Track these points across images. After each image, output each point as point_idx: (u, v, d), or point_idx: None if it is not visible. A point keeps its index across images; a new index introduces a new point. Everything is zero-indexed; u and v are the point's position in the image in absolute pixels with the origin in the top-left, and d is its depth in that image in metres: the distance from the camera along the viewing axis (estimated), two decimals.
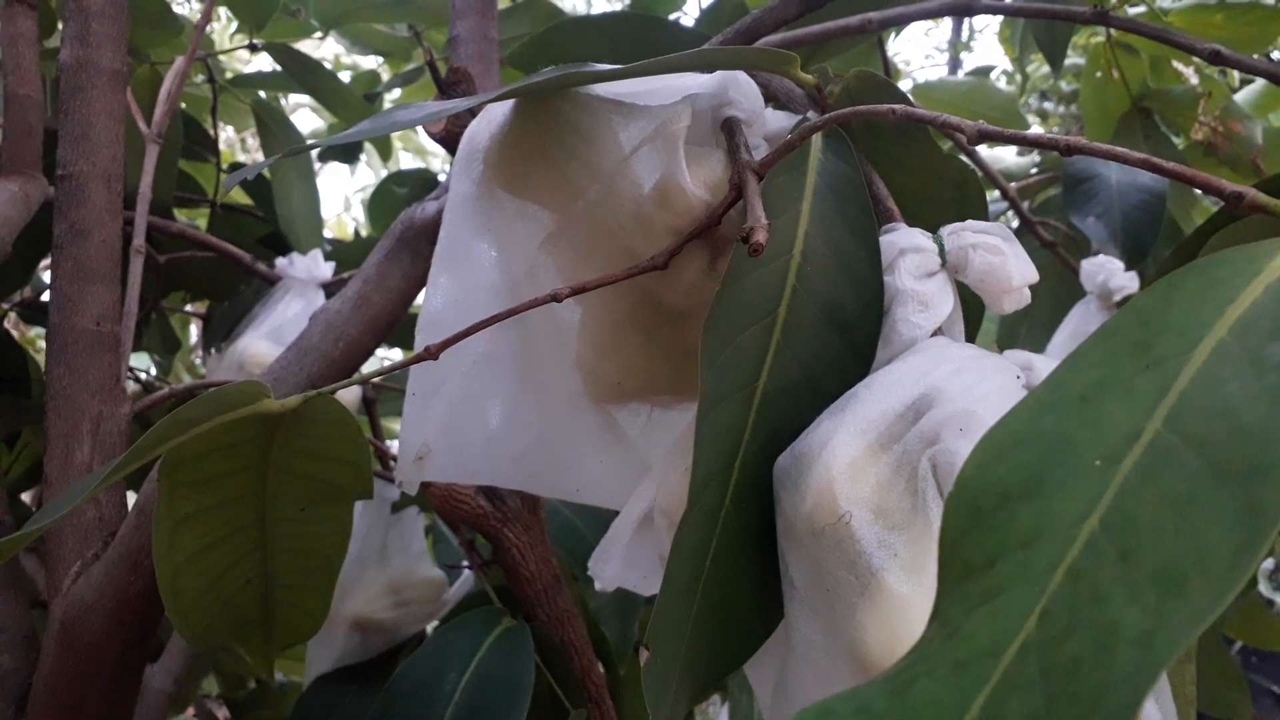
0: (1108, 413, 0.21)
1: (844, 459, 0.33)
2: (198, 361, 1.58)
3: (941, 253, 0.38)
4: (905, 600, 0.31)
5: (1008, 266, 0.38)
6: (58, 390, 0.64)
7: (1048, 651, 0.18)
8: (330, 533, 0.44)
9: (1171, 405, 0.21)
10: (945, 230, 0.39)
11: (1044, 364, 0.37)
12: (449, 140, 0.53)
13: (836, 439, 0.34)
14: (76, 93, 0.67)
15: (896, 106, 0.31)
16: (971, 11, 0.64)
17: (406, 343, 1.08)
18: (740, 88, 0.40)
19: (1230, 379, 0.21)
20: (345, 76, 1.66)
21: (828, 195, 0.38)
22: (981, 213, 0.48)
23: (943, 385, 0.34)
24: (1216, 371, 0.21)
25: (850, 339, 0.37)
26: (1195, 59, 1.09)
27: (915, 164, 0.46)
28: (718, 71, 0.40)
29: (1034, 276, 0.38)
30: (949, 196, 0.48)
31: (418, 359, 0.38)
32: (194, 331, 1.56)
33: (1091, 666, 0.17)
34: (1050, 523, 0.20)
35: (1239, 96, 1.26)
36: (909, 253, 0.38)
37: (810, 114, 0.43)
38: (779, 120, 0.42)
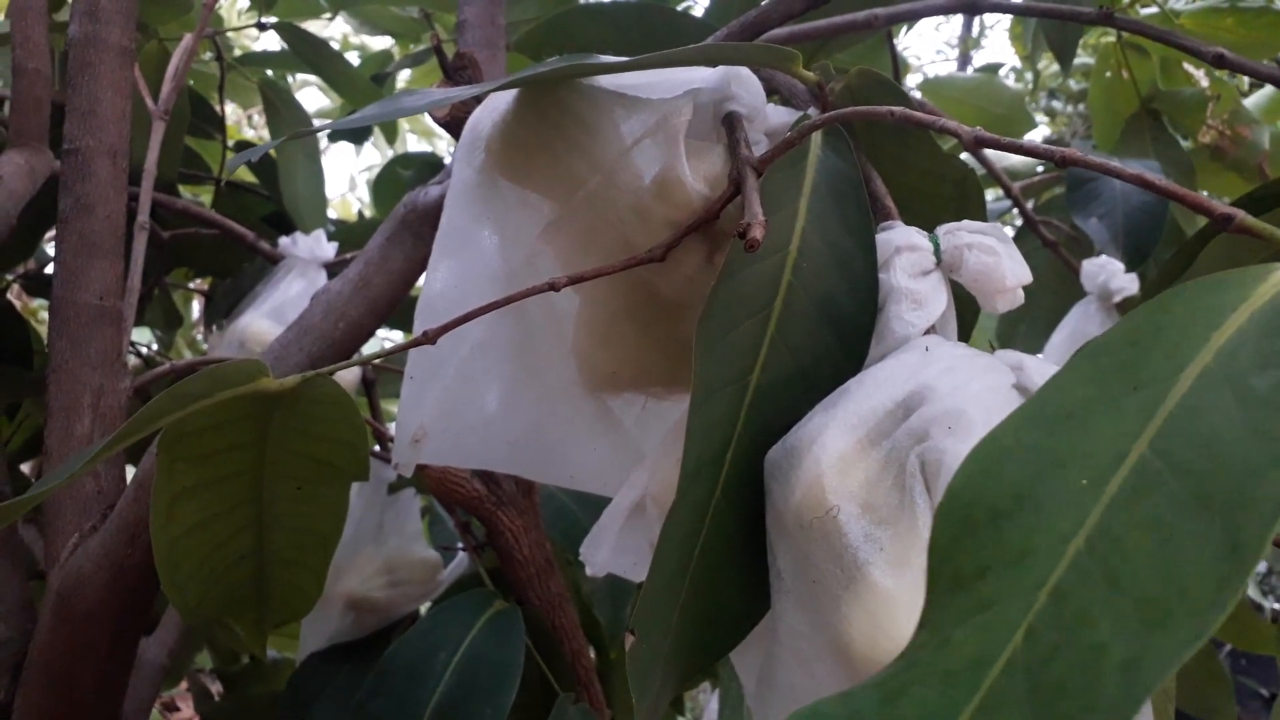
0: (1095, 432, 0.22)
1: (834, 453, 0.34)
2: (199, 337, 1.59)
3: (937, 252, 0.38)
4: (889, 594, 0.32)
5: (1002, 267, 0.38)
6: (59, 364, 0.64)
7: (1035, 670, 0.19)
8: (326, 512, 0.45)
9: (1157, 429, 0.21)
10: (941, 229, 0.39)
11: (1035, 364, 0.37)
12: (453, 125, 0.53)
13: (827, 433, 0.34)
14: (84, 68, 0.67)
15: (895, 109, 0.31)
16: (977, 9, 0.64)
17: (407, 324, 1.08)
18: (743, 83, 0.40)
19: (1214, 407, 0.21)
20: (354, 56, 1.66)
21: (826, 192, 0.38)
22: (980, 212, 0.49)
23: (933, 383, 0.34)
24: (1201, 399, 0.21)
25: (844, 335, 0.37)
26: None
27: (915, 162, 0.47)
28: (721, 66, 0.40)
29: (1027, 278, 0.38)
30: (948, 195, 0.48)
31: (416, 343, 0.38)
32: (196, 307, 1.57)
33: (1077, 690, 0.18)
34: (1037, 540, 0.21)
35: (1248, 101, 1.26)
36: (904, 251, 0.38)
37: (811, 110, 0.43)
38: (780, 116, 0.42)
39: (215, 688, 1.31)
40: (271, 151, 1.16)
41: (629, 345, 0.41)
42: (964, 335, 0.43)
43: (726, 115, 0.40)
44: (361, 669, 0.79)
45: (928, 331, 0.38)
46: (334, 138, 1.36)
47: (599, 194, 0.39)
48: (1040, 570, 0.20)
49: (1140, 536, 0.19)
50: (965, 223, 0.39)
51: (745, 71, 0.40)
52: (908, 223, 0.41)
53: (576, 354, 0.42)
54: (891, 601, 0.32)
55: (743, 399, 0.36)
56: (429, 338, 0.37)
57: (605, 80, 0.39)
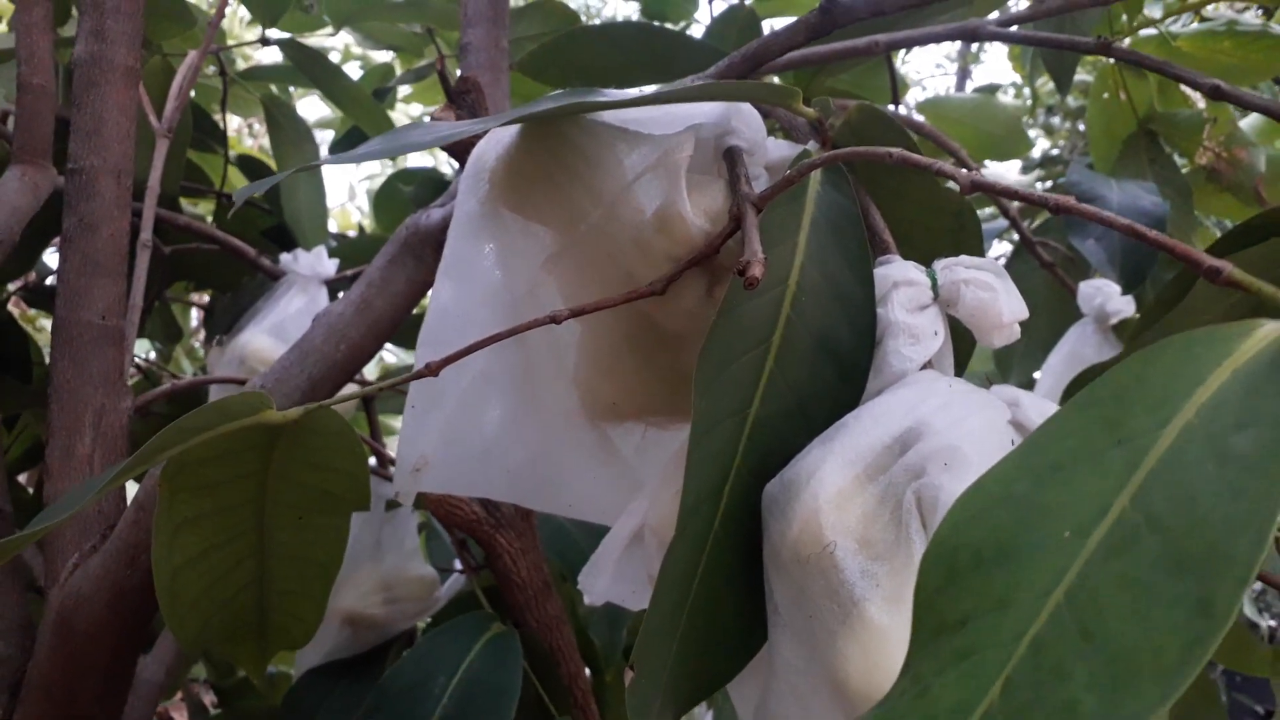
0: (1079, 484, 0.22)
1: (831, 488, 0.34)
2: (197, 346, 1.59)
3: (934, 287, 0.39)
4: (885, 630, 0.32)
5: (998, 303, 0.38)
6: (61, 382, 0.64)
7: None
8: (327, 541, 0.45)
9: (1139, 484, 0.21)
10: (938, 264, 0.39)
11: (1030, 400, 0.37)
12: (455, 147, 0.53)
13: (825, 468, 0.34)
14: (90, 88, 0.68)
15: (894, 151, 0.32)
16: (977, 38, 0.64)
17: (408, 341, 1.08)
18: (743, 117, 0.40)
19: (1194, 465, 0.21)
20: (355, 66, 1.66)
21: (824, 228, 0.38)
22: (977, 244, 0.49)
23: (930, 419, 0.34)
24: (1182, 455, 0.21)
25: (842, 369, 0.38)
26: None
27: (913, 194, 0.47)
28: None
29: (1024, 313, 0.39)
30: (946, 226, 0.48)
31: (418, 375, 0.38)
32: (195, 316, 1.57)
33: None
34: (1019, 590, 0.21)
35: (1245, 123, 1.26)
36: (902, 286, 0.39)
37: (812, 144, 0.44)
38: (780, 150, 0.42)
39: (209, 699, 1.31)
40: (273, 166, 1.16)
41: (630, 376, 0.42)
42: (960, 369, 0.44)
43: (727, 150, 0.40)
44: (358, 685, 0.79)
45: (925, 366, 0.38)
46: (331, 150, 1.37)
47: (601, 227, 0.39)
48: (1020, 621, 0.20)
49: (1117, 592, 0.20)
50: (962, 258, 0.39)
51: (746, 106, 0.41)
52: (905, 255, 0.41)
53: (578, 384, 0.43)
54: (887, 637, 0.32)
55: (741, 432, 0.36)
56: (431, 370, 0.38)
57: (608, 114, 0.40)
